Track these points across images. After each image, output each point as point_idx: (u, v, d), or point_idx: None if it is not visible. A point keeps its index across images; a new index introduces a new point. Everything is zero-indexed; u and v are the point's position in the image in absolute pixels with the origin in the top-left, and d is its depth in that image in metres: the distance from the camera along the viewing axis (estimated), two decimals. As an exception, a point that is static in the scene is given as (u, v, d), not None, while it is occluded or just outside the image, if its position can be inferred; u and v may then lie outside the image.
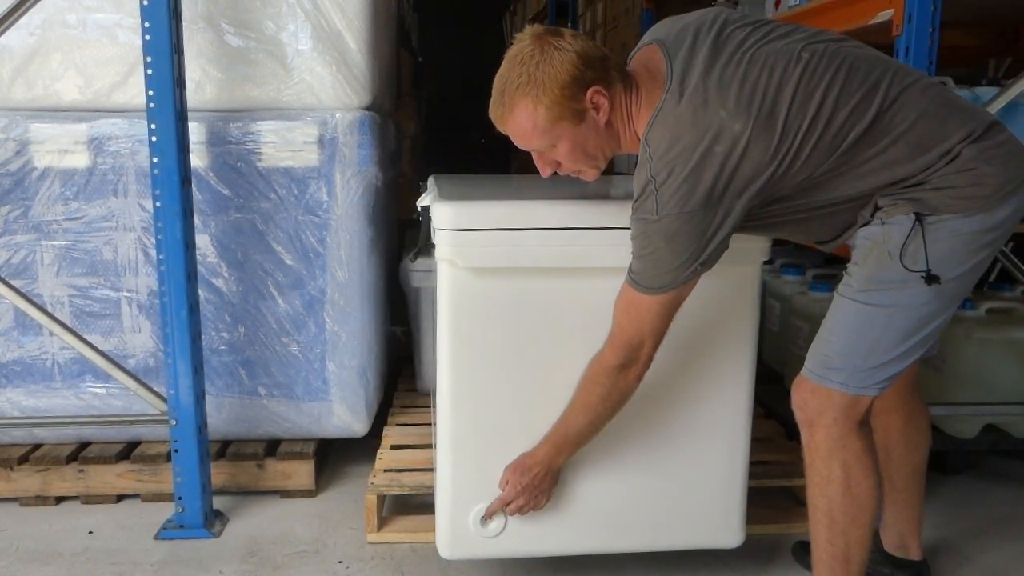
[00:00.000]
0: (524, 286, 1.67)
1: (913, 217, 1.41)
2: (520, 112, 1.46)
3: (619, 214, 1.61)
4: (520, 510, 1.71)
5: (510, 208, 1.64)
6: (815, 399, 1.51)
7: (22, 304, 2.08)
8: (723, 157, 1.36)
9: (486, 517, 1.75)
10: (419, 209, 2.21)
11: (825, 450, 1.51)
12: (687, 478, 1.82)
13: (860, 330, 1.48)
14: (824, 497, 1.52)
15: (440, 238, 1.64)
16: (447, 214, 1.63)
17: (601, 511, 1.80)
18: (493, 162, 9.19)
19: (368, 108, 2.32)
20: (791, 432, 2.53)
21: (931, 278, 1.40)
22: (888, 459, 1.78)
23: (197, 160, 2.20)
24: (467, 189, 1.96)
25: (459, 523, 1.76)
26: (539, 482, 1.69)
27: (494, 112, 1.51)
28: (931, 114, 1.41)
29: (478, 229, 1.63)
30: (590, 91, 1.44)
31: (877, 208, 1.46)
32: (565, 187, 1.89)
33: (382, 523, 2.13)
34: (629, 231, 1.48)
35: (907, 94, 1.42)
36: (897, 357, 1.48)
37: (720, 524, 1.86)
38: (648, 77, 1.47)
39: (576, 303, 1.69)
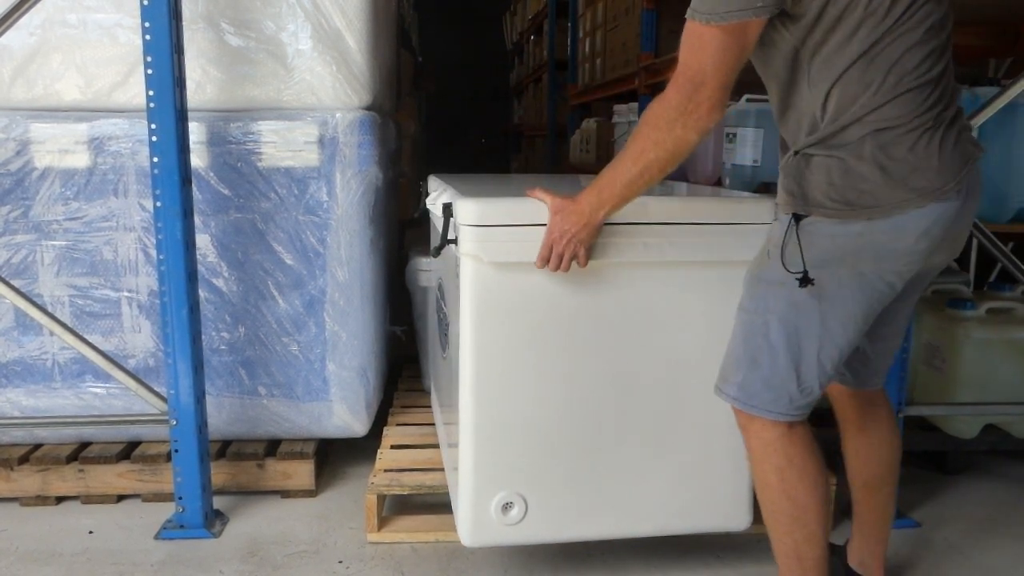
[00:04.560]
0: (546, 280, 1.71)
1: (790, 216, 1.43)
2: None
3: (638, 212, 1.67)
4: (561, 259, 1.61)
5: (534, 205, 1.67)
6: None
7: (22, 304, 2.08)
8: None
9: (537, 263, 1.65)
10: (426, 206, 2.22)
11: (758, 456, 1.53)
12: (699, 465, 1.87)
13: (744, 340, 1.51)
14: (766, 500, 1.54)
15: (464, 234, 1.67)
16: (472, 210, 1.67)
17: (618, 498, 1.85)
18: (493, 162, 9.21)
19: (368, 108, 2.32)
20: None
21: (806, 280, 1.40)
22: (846, 468, 1.79)
23: (197, 160, 2.20)
24: (481, 187, 1.98)
25: (481, 511, 1.79)
26: (579, 230, 1.59)
27: None
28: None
29: (503, 225, 1.67)
30: None
31: (791, 167, 1.45)
32: (570, 186, 1.92)
33: (382, 523, 2.13)
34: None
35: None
36: (784, 378, 1.47)
37: (729, 508, 1.91)
38: None
39: (597, 297, 1.75)
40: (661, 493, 1.86)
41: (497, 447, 1.77)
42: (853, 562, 1.85)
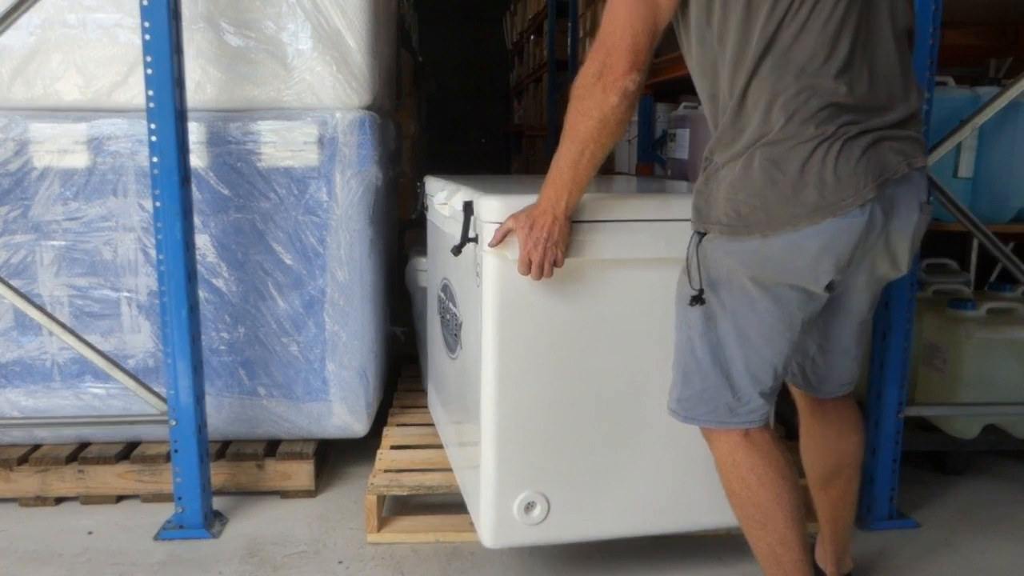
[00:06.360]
0: (570, 276, 1.71)
1: (694, 233, 1.45)
2: None
3: (661, 208, 1.72)
4: (542, 267, 1.61)
5: None
6: None
7: (22, 304, 2.08)
8: None
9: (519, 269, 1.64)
10: (425, 207, 2.21)
11: (720, 465, 1.54)
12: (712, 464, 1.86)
13: (677, 357, 1.54)
14: (734, 507, 1.55)
15: (488, 232, 1.67)
16: (496, 208, 1.67)
17: (641, 495, 1.85)
18: (493, 162, 9.21)
19: (368, 108, 2.32)
20: (791, 432, 2.53)
21: (697, 299, 1.42)
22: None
23: (197, 160, 2.20)
24: (491, 185, 1.98)
25: (503, 512, 1.79)
26: (549, 232, 1.59)
27: None
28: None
29: None
30: None
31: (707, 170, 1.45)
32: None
33: (382, 523, 2.13)
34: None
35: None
36: (718, 390, 1.47)
37: None
38: None
39: (620, 293, 1.76)
40: (684, 490, 1.86)
41: (519, 447, 1.77)
42: (817, 556, 1.87)
